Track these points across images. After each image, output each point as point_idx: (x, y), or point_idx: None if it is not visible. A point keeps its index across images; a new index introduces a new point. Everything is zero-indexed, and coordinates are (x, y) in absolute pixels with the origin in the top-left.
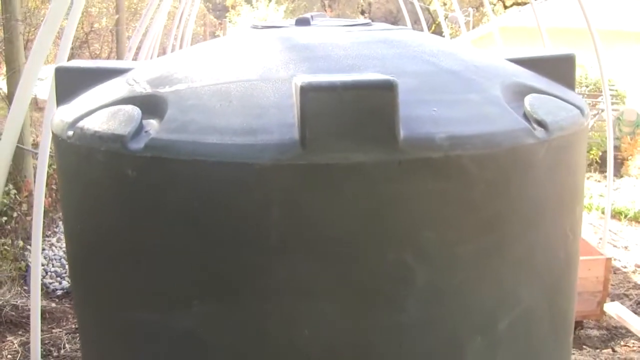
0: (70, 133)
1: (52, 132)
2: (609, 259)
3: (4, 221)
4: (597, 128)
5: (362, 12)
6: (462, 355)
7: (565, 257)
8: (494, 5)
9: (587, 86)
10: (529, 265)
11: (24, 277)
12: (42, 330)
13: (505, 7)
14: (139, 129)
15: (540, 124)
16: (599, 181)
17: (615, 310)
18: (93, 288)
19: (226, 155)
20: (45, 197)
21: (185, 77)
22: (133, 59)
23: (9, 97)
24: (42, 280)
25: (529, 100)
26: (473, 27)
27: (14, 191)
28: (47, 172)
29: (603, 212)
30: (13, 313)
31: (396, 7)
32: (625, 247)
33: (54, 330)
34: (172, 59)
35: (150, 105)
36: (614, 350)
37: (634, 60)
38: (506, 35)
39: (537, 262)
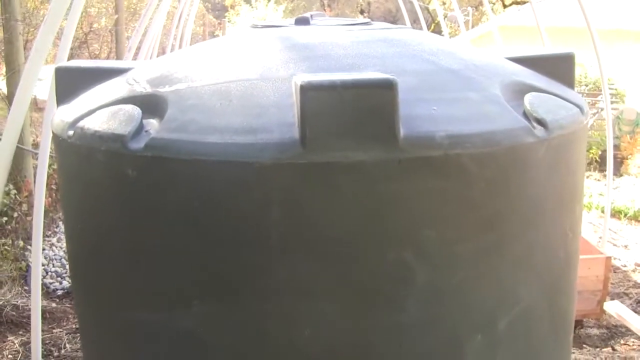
0: (71, 133)
1: (53, 132)
2: (608, 258)
3: (4, 221)
4: (597, 127)
5: (361, 12)
6: (462, 355)
7: (565, 256)
8: (493, 4)
9: (586, 85)
10: (529, 264)
11: (24, 277)
12: (42, 330)
13: (505, 6)
14: (139, 129)
15: (540, 122)
16: (598, 180)
17: (615, 309)
18: (93, 288)
19: (226, 155)
20: (45, 197)
21: (185, 77)
22: (132, 59)
23: (9, 98)
24: (42, 280)
25: (528, 98)
26: (472, 27)
27: (14, 191)
28: (47, 172)
29: (603, 211)
30: (14, 313)
31: (395, 7)
32: (625, 246)
33: (54, 330)
34: (172, 58)
35: (151, 104)
36: (613, 349)
37: (633, 59)
38: (505, 34)
39: (536, 261)
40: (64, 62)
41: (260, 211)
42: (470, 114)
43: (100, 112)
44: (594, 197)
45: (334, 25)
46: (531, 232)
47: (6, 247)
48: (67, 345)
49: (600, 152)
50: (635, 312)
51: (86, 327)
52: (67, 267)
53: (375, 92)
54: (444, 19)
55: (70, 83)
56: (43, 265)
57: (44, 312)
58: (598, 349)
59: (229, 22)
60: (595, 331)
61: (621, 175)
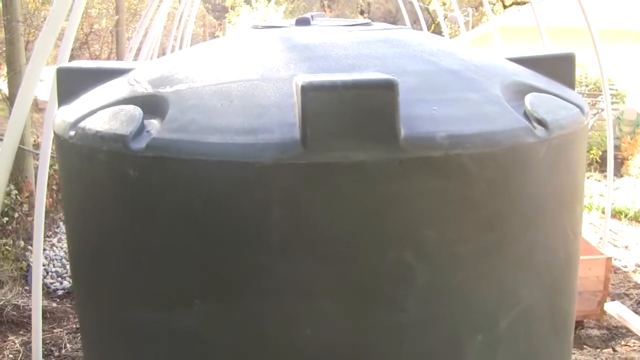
0: (72, 133)
1: (54, 133)
2: (609, 259)
3: (5, 221)
4: (597, 127)
5: (362, 12)
6: (463, 355)
7: (565, 257)
8: (493, 4)
9: (587, 85)
10: (529, 265)
11: (25, 277)
12: (43, 330)
13: (505, 7)
14: (141, 129)
15: (541, 122)
16: (599, 181)
17: (616, 310)
18: (94, 288)
19: (227, 155)
20: (46, 197)
21: (186, 77)
22: (133, 60)
23: (10, 98)
24: (43, 280)
25: (529, 99)
26: (472, 27)
27: (15, 192)
28: (48, 173)
29: (603, 212)
30: (14, 313)
31: (395, 7)
32: (626, 247)
33: (55, 330)
34: (173, 59)
35: (152, 105)
36: (614, 350)
37: (634, 59)
38: (506, 34)
39: (537, 261)
40: (66, 63)
41: (261, 211)
42: (471, 114)
43: (102, 112)
44: (594, 198)
45: (335, 26)
46: (531, 232)
47: (7, 247)
48: (67, 345)
49: (600, 153)
50: (636, 312)
51: (87, 327)
52: (68, 267)
53: (376, 92)
54: (444, 19)
55: (72, 84)
56: (44, 265)
57: (44, 312)
58: (598, 350)
59: (229, 23)
60: (595, 332)
61: (622, 176)
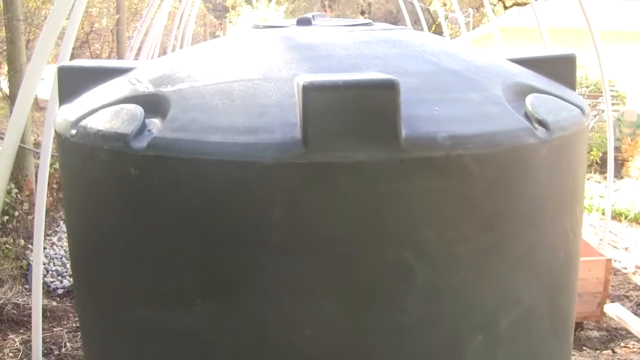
0: (74, 132)
1: (55, 131)
2: (609, 260)
3: (5, 220)
4: (598, 129)
5: (362, 13)
6: (463, 355)
7: (565, 257)
8: (494, 5)
9: (587, 87)
10: (529, 265)
11: (25, 275)
12: (43, 329)
13: (506, 8)
14: (142, 128)
15: (542, 123)
16: (599, 182)
17: (616, 312)
18: (95, 287)
19: (228, 154)
20: (47, 196)
21: (188, 77)
22: (134, 59)
23: (11, 97)
24: (43, 279)
25: (530, 99)
26: (473, 28)
27: (15, 190)
28: (49, 172)
29: (603, 213)
30: (14, 311)
31: (396, 8)
32: (626, 249)
33: (55, 329)
34: (174, 58)
35: (153, 104)
36: (614, 352)
37: (634, 60)
38: (506, 35)
39: (537, 261)
40: (67, 62)
41: (262, 211)
42: (472, 114)
43: (103, 111)
44: (594, 199)
45: (336, 26)
46: (531, 233)
47: (7, 245)
48: (67, 343)
49: (601, 154)
50: (636, 314)
51: (87, 326)
52: (68, 266)
53: (377, 92)
54: (445, 20)
55: (73, 82)
56: (44, 264)
57: (44, 310)
58: (598, 352)
59: (230, 22)
60: (595, 333)
61: (622, 178)
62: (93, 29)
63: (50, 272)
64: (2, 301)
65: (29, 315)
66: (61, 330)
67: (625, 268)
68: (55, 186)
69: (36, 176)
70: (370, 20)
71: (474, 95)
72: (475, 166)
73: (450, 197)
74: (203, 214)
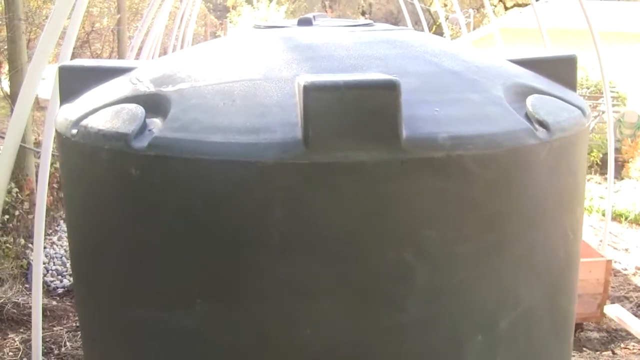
0: (74, 131)
1: (56, 131)
2: (609, 261)
3: (5, 219)
4: (598, 130)
5: (363, 13)
6: (463, 355)
7: (565, 257)
8: (495, 6)
9: (587, 88)
10: (529, 265)
11: (25, 275)
12: (43, 328)
13: (506, 9)
14: (143, 128)
15: (542, 124)
16: (599, 183)
17: (616, 313)
18: (96, 286)
19: (229, 154)
20: (47, 195)
21: (189, 76)
22: (135, 59)
23: (12, 96)
24: (43, 278)
25: (530, 100)
26: (474, 29)
27: (15, 189)
28: (49, 171)
29: (603, 214)
30: (14, 311)
31: (397, 8)
32: (626, 250)
33: (55, 328)
34: (175, 58)
35: (154, 104)
36: (614, 353)
37: (635, 61)
38: (507, 36)
39: (537, 261)
40: (68, 61)
41: (262, 211)
42: (473, 115)
43: (104, 111)
44: (594, 200)
45: (337, 26)
46: (531, 233)
47: (7, 245)
48: (67, 343)
49: (601, 155)
50: (636, 315)
51: (88, 326)
52: (68, 265)
53: (378, 93)
54: (446, 20)
55: (74, 82)
56: (44, 263)
57: (44, 310)
58: (598, 353)
59: (230, 22)
60: (595, 335)
61: (622, 179)
62: (94, 29)
63: (50, 272)
64: (2, 300)
65: (29, 315)
66: (61, 329)
67: (626, 269)
68: (55, 185)
69: (37, 175)
70: (371, 21)
71: (474, 96)
72: (476, 167)
73: (450, 197)
74: (204, 213)
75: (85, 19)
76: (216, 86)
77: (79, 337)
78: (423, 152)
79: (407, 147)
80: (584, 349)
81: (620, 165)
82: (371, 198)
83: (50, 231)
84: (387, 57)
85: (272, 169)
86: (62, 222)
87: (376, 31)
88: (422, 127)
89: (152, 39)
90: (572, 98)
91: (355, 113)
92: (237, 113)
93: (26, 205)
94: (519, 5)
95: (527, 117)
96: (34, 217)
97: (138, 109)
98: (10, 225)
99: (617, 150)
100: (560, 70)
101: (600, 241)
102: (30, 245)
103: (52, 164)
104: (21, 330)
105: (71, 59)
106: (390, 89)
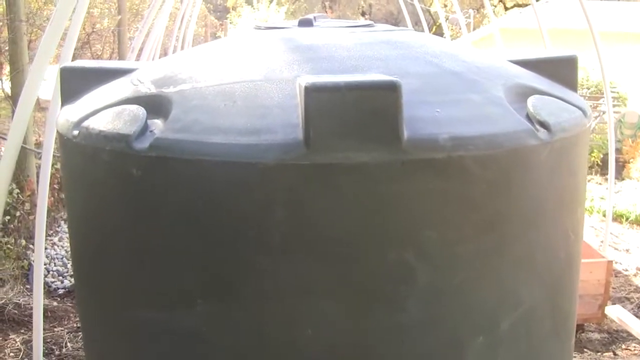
0: (76, 132)
1: (57, 132)
2: (610, 262)
3: (7, 220)
4: (599, 130)
5: (363, 14)
6: (463, 356)
7: (566, 258)
8: (495, 6)
9: (588, 88)
10: (530, 265)
11: (26, 275)
12: (44, 329)
13: (506, 9)
14: (144, 129)
15: (543, 125)
16: (600, 184)
17: (617, 314)
18: (97, 287)
19: (230, 155)
20: (48, 196)
21: (190, 78)
22: (135, 60)
23: (13, 97)
24: (44, 279)
25: (531, 101)
26: (474, 29)
27: (17, 190)
28: (50, 172)
29: (604, 215)
30: (15, 311)
31: (397, 9)
32: (627, 250)
33: (55, 329)
34: (176, 59)
35: (155, 105)
36: (615, 354)
37: (635, 61)
38: (507, 36)
39: (537, 262)
40: (69, 63)
41: (263, 212)
42: (473, 116)
43: (105, 112)
44: (595, 201)
45: (337, 27)
46: (532, 233)
47: (9, 245)
48: (68, 344)
49: (602, 156)
50: (637, 316)
51: (88, 326)
52: (69, 266)
53: (379, 94)
54: (446, 21)
55: (75, 83)
56: (45, 264)
57: (45, 310)
58: (599, 354)
59: (230, 23)
60: (596, 335)
61: (623, 179)
62: (94, 30)
63: (51, 272)
64: (3, 301)
65: (30, 315)
66: (62, 330)
67: (627, 270)
68: (56, 186)
69: (38, 176)
70: (371, 22)
71: (475, 97)
72: (477, 167)
73: (451, 198)
74: (205, 214)
75: (85, 20)
76: (217, 87)
77: (79, 337)
78: (424, 152)
79: (408, 148)
80: (585, 350)
81: (621, 166)
82: (372, 199)
83: (51, 232)
84: (388, 58)
85: (273, 170)
86: (63, 223)
87: (377, 32)
88: (423, 128)
89: (153, 40)
90: (573, 98)
91: (356, 114)
92: (238, 114)
93: (27, 206)
94: (519, 6)
95: (528, 117)
96: (35, 218)
97: (139, 110)
98: (12, 226)
99: (618, 151)
100: (561, 70)
101: (601, 242)
102: (31, 246)
103: (53, 165)
104: (22, 331)
105: (72, 60)
106: (391, 89)
